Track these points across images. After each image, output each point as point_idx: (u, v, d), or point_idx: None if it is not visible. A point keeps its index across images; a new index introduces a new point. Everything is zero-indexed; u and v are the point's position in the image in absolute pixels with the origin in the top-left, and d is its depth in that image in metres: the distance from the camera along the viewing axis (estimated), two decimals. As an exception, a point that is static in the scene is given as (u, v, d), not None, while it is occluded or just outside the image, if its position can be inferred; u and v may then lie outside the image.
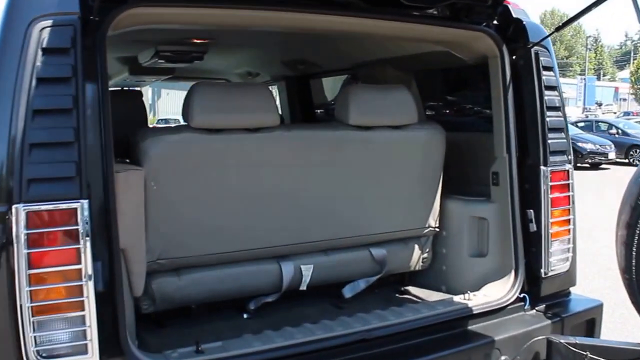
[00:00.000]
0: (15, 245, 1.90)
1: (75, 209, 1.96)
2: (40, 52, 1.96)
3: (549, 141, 2.84)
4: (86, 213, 1.97)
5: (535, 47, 2.87)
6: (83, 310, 1.98)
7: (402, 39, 3.18)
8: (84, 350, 1.97)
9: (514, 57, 2.92)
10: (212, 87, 2.72)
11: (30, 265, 1.91)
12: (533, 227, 2.88)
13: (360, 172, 2.98)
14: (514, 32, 2.92)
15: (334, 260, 3.05)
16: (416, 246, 3.28)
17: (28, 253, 1.91)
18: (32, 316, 1.92)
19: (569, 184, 2.91)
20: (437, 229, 3.27)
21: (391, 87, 3.16)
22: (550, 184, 2.84)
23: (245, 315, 2.94)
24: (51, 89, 1.96)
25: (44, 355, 1.93)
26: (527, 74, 2.89)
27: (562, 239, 2.92)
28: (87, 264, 1.98)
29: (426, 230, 3.24)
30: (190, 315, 2.87)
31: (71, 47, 1.99)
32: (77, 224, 1.96)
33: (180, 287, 2.70)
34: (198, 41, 4.15)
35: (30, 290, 1.91)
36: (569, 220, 2.93)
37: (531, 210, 2.88)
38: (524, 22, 2.89)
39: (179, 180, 2.56)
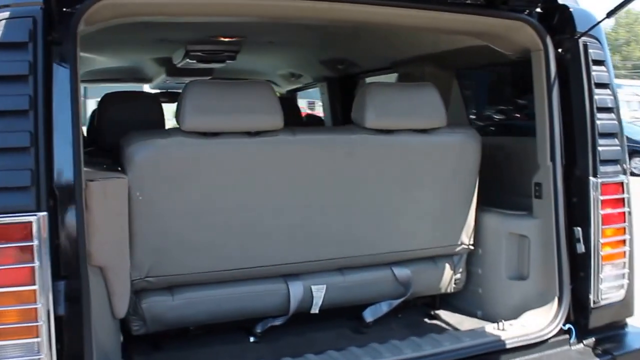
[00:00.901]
0: None
1: (30, 222, 1.74)
2: None
3: (600, 148, 2.43)
4: (44, 227, 1.75)
5: (584, 38, 2.46)
6: (38, 336, 1.76)
7: (431, 30, 2.83)
8: None
9: (559, 50, 2.52)
10: (207, 85, 2.45)
11: None
12: (581, 247, 2.47)
13: (380, 181, 2.65)
14: (559, 20, 2.52)
15: (351, 281, 2.72)
16: (447, 266, 2.91)
17: None
18: None
19: (624, 199, 2.48)
20: (472, 247, 2.90)
21: (416, 86, 2.81)
22: (601, 197, 2.42)
23: (252, 339, 2.66)
24: (4, 89, 1.74)
25: None
26: (574, 69, 2.49)
27: (616, 262, 2.49)
28: (44, 285, 1.76)
29: (458, 248, 2.87)
30: (191, 337, 2.62)
31: (29, 42, 1.77)
32: (31, 239, 1.74)
33: (174, 308, 2.45)
34: (226, 39, 3.93)
35: None
36: (624, 241, 2.50)
37: (579, 228, 2.48)
38: (571, 9, 2.49)
39: (169, 189, 2.30)
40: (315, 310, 2.66)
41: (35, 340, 1.75)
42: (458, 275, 2.95)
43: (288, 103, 5.88)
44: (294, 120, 5.20)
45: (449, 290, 2.96)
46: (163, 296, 2.43)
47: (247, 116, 2.38)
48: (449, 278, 2.93)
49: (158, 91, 6.47)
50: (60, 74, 1.85)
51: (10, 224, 1.72)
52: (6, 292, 1.73)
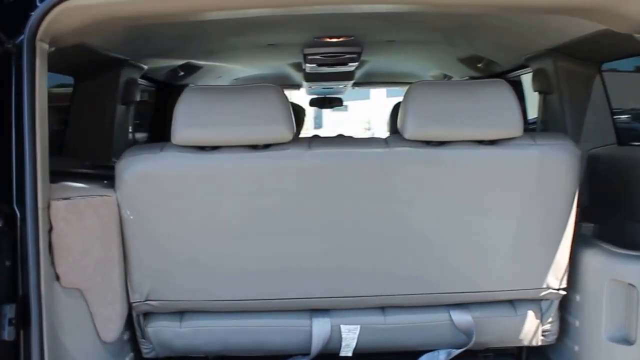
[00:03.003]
0: None
1: None
2: None
3: None
4: None
5: None
6: None
7: (513, 9, 2.24)
8: None
9: None
10: (203, 92, 2.15)
11: None
12: None
13: (428, 205, 2.14)
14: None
15: (394, 323, 2.25)
16: (530, 313, 2.28)
17: None
18: None
19: None
20: (563, 292, 2.23)
21: (480, 84, 2.24)
22: None
23: None
24: None
25: None
26: None
27: None
28: None
29: (544, 293, 2.22)
30: None
31: None
32: None
33: (181, 335, 2.24)
34: (333, 40, 3.66)
35: None
36: None
37: None
38: None
39: (163, 209, 2.09)
40: (346, 353, 2.25)
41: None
42: (547, 326, 2.30)
43: None
44: None
45: (534, 343, 2.32)
46: (170, 321, 2.24)
47: (248, 127, 2.06)
48: (533, 328, 2.29)
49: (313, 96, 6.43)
50: (17, 86, 1.77)
51: None
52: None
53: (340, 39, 3.64)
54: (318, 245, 2.16)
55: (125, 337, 2.24)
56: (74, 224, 1.93)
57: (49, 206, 1.85)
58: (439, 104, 2.11)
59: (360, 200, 2.13)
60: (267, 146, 2.09)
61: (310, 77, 5.00)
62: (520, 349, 2.42)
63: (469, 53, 4.02)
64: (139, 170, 2.06)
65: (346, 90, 6.32)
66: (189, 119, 2.05)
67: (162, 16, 2.09)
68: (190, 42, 3.32)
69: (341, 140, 2.27)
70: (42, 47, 1.80)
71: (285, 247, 2.16)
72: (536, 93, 3.37)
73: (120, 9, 1.87)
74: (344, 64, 4.24)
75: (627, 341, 2.04)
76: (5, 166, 1.77)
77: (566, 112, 2.97)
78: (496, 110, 2.10)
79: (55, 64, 2.77)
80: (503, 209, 2.15)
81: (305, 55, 3.99)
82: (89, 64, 2.83)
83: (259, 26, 3.04)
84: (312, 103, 6.37)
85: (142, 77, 3.81)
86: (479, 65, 4.18)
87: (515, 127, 2.10)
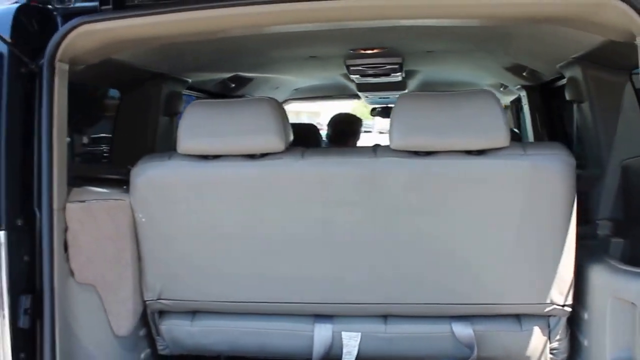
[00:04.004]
0: None
1: None
2: None
3: None
4: (4, 245, 1.88)
5: None
6: None
7: (483, 18, 2.23)
8: None
9: None
10: (205, 106, 2.31)
11: None
12: None
13: (420, 215, 2.17)
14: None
15: (395, 332, 2.29)
16: (537, 329, 2.24)
17: None
18: None
19: None
20: (567, 308, 2.18)
21: (466, 95, 2.24)
22: None
23: None
24: None
25: None
26: None
27: None
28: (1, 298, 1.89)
29: (548, 309, 2.19)
30: None
31: None
32: None
33: (192, 334, 2.38)
34: (367, 52, 3.72)
35: None
36: None
37: None
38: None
39: (172, 213, 2.25)
40: None
41: (-5, 348, 1.90)
42: (555, 344, 2.25)
43: None
44: None
45: None
46: (182, 320, 2.40)
47: (243, 137, 2.19)
48: (540, 346, 2.25)
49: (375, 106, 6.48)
50: (39, 104, 1.97)
51: None
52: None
53: (375, 51, 3.70)
54: (316, 251, 2.24)
55: (142, 333, 2.42)
56: (88, 225, 2.12)
57: (64, 208, 2.05)
58: (423, 114, 2.15)
59: (353, 209, 2.19)
60: (263, 155, 2.21)
61: (362, 87, 5.07)
62: None
63: (511, 62, 3.96)
64: (149, 176, 2.24)
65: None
66: (191, 131, 2.21)
67: (181, 36, 2.24)
68: (229, 56, 3.48)
69: (333, 150, 2.35)
70: (62, 67, 2.00)
71: (285, 252, 2.26)
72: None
73: (137, 31, 2.04)
74: (387, 74, 4.28)
75: (630, 362, 1.97)
76: (29, 173, 1.99)
77: (598, 121, 2.89)
78: (481, 120, 2.12)
79: (99, 79, 3.03)
80: (496, 220, 2.15)
81: (348, 67, 4.07)
82: (129, 79, 3.06)
83: (296, 39, 3.15)
84: (373, 113, 6.43)
85: (194, 89, 4.02)
86: (524, 74, 4.11)
87: (500, 137, 2.10)
